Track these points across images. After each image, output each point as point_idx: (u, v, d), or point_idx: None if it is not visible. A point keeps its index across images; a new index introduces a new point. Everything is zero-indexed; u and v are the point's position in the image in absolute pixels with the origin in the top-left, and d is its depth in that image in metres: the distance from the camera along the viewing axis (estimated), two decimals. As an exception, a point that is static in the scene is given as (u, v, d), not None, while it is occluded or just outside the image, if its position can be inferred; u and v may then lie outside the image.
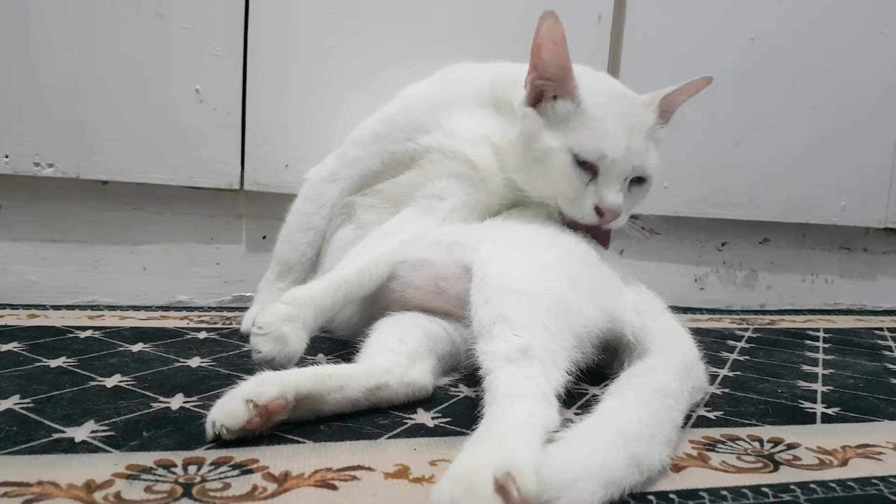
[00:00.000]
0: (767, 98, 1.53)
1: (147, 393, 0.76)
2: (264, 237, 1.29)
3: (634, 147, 0.91)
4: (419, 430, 0.70)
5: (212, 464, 0.59)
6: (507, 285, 0.74)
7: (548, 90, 0.91)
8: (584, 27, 1.38)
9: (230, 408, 0.63)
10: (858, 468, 0.66)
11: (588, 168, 0.90)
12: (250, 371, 0.69)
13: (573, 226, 0.93)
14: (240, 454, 0.61)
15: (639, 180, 0.95)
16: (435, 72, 1.08)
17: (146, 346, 0.96)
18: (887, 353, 1.23)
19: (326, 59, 1.25)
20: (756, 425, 0.77)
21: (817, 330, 1.41)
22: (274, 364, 0.78)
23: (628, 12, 1.40)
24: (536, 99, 0.93)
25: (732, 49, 1.48)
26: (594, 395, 0.81)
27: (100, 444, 0.61)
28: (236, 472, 0.57)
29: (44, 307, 1.17)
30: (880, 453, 0.71)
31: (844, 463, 0.67)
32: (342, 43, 1.26)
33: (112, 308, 1.20)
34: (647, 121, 0.94)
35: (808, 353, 1.18)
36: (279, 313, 0.82)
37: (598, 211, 0.91)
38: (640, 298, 0.90)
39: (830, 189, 1.60)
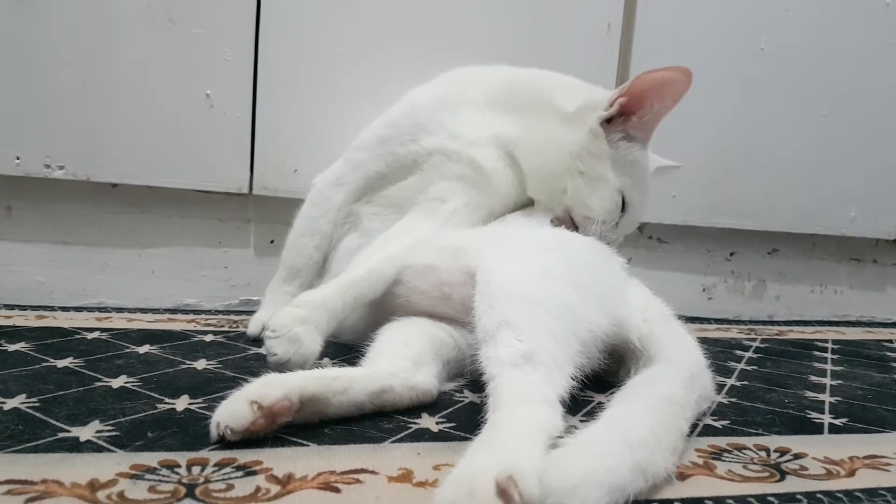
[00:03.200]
0: (777, 107, 1.52)
1: (152, 394, 0.76)
2: (272, 241, 1.30)
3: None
4: (423, 435, 0.69)
5: (215, 465, 0.59)
6: (511, 291, 0.73)
7: (628, 123, 0.96)
8: (593, 35, 1.38)
9: (235, 409, 0.63)
10: (866, 479, 0.66)
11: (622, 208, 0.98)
12: (256, 374, 0.69)
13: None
14: (243, 455, 0.61)
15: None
16: (440, 75, 1.09)
17: (153, 347, 0.96)
18: (896, 364, 1.22)
19: (336, 65, 1.26)
20: (763, 435, 0.77)
21: (826, 341, 1.40)
22: (289, 366, 0.78)
23: (638, 21, 1.40)
24: (609, 121, 0.96)
25: (742, 58, 1.48)
26: (600, 403, 0.81)
27: (104, 444, 0.61)
28: (240, 473, 0.57)
29: (52, 308, 1.18)
30: (888, 464, 0.70)
31: (852, 473, 0.67)
32: (352, 50, 1.26)
33: (120, 310, 1.21)
34: None
35: (817, 364, 1.17)
36: (291, 315, 0.82)
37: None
38: (647, 305, 0.90)
39: (840, 200, 1.60)
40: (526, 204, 1.02)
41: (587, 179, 0.96)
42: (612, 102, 0.95)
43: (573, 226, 0.97)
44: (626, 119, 0.96)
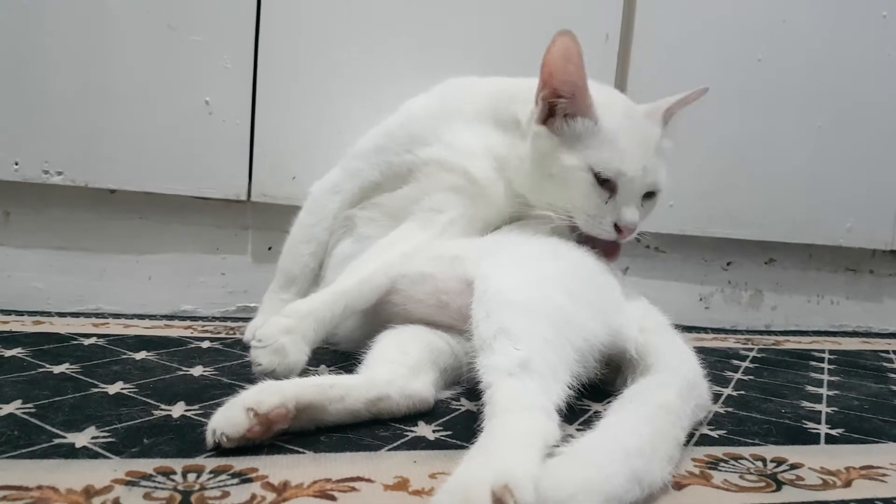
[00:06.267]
0: (774, 118, 1.53)
1: (149, 400, 0.76)
2: (270, 248, 1.30)
3: (649, 165, 0.93)
4: (420, 443, 0.69)
5: (211, 472, 0.58)
6: (508, 299, 0.73)
7: (560, 108, 0.92)
8: (591, 46, 1.36)
9: (231, 416, 0.63)
10: (862, 489, 0.66)
11: (607, 185, 0.91)
12: (253, 381, 0.69)
13: (588, 240, 0.94)
14: (239, 463, 0.61)
15: (649, 194, 0.97)
16: (435, 85, 1.09)
17: (149, 354, 0.96)
18: (893, 375, 1.22)
19: (335, 72, 1.26)
20: (759, 444, 0.77)
21: (822, 351, 1.40)
22: (274, 376, 0.78)
23: (636, 32, 1.41)
24: (547, 116, 0.93)
25: (740, 70, 1.49)
26: (596, 412, 0.81)
27: (100, 450, 0.61)
28: (235, 480, 0.57)
29: (49, 314, 1.18)
30: (884, 475, 0.70)
31: (848, 484, 0.67)
32: (351, 57, 1.27)
33: (117, 316, 1.21)
34: (655, 135, 0.96)
35: (813, 374, 1.17)
36: (278, 325, 0.82)
37: (617, 227, 0.92)
38: (644, 314, 0.90)
39: (836, 210, 1.60)
40: (520, 216, 1.01)
41: (557, 180, 0.93)
42: (536, 102, 0.94)
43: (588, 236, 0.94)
44: (559, 104, 0.92)
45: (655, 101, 1.01)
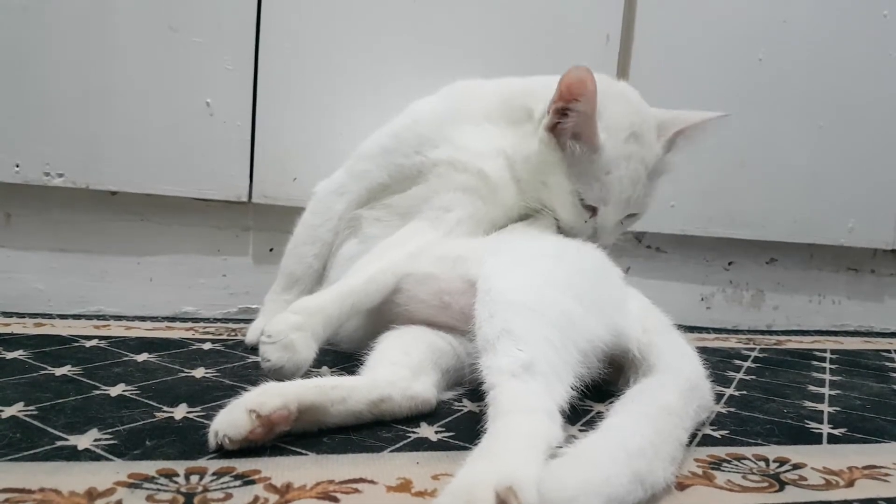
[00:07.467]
0: (775, 118, 1.53)
1: (151, 402, 0.76)
2: (271, 250, 1.30)
3: (636, 194, 0.97)
4: (422, 444, 0.69)
5: (214, 474, 0.58)
6: (512, 300, 0.73)
7: (569, 124, 0.93)
8: (592, 46, 1.39)
9: (233, 418, 0.63)
10: (865, 489, 0.65)
11: (590, 207, 0.97)
12: (254, 382, 0.69)
13: None
14: (242, 465, 0.61)
15: (632, 214, 1.01)
16: (441, 88, 1.09)
17: (151, 356, 0.96)
18: (894, 374, 1.22)
19: (336, 73, 1.26)
20: (762, 445, 0.77)
21: (824, 351, 1.40)
22: (282, 373, 0.78)
23: (637, 32, 1.41)
24: (555, 125, 0.95)
25: (740, 70, 1.49)
26: (599, 412, 0.81)
27: (102, 453, 0.61)
28: (238, 482, 0.57)
29: (50, 316, 1.18)
30: (887, 475, 0.70)
31: (851, 484, 0.67)
32: (352, 58, 1.27)
33: (118, 318, 1.21)
34: (654, 157, 0.98)
35: (815, 374, 1.17)
36: (287, 322, 0.82)
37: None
38: (646, 315, 0.90)
39: (838, 210, 1.60)
40: (527, 215, 1.02)
41: (549, 188, 0.97)
42: (548, 109, 0.95)
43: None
44: (568, 122, 0.94)
45: (674, 113, 1.02)
